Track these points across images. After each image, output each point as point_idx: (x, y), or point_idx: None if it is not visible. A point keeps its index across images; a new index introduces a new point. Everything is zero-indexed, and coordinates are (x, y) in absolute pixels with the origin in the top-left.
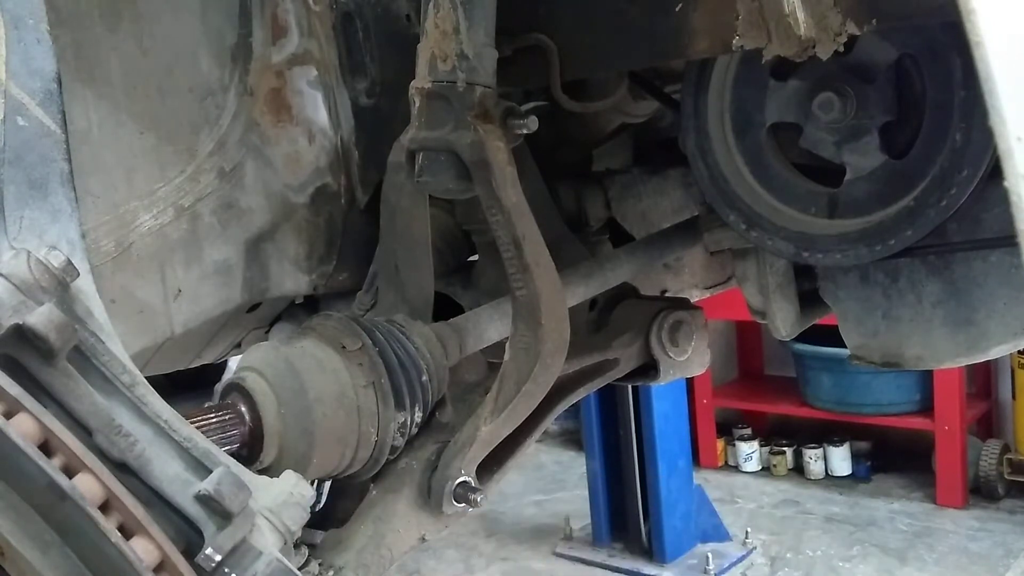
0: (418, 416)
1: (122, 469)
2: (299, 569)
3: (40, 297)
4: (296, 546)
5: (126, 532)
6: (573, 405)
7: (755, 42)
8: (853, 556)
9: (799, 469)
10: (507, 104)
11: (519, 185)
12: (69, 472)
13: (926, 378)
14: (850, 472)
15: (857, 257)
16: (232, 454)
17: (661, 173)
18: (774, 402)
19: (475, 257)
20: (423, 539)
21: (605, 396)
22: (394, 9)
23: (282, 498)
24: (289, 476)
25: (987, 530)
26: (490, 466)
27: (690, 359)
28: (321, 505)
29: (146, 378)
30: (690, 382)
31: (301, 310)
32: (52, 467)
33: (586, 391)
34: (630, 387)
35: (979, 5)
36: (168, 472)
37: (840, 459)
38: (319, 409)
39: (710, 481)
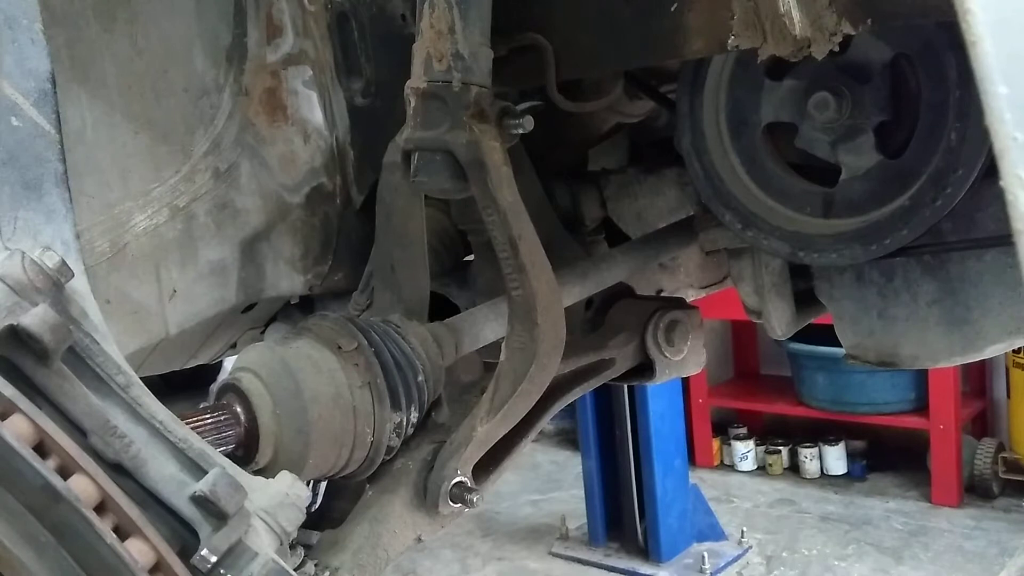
0: (414, 416)
1: (117, 470)
2: (295, 570)
3: (34, 298)
4: (292, 547)
5: (121, 533)
6: (569, 405)
7: (750, 42)
8: (849, 555)
9: (795, 468)
10: (503, 104)
11: (515, 185)
12: (64, 473)
13: (921, 377)
14: (845, 471)
15: (852, 256)
16: (228, 455)
17: (657, 173)
18: (770, 401)
19: (471, 257)
20: (419, 539)
21: (601, 396)
22: (389, 9)
23: (278, 499)
24: (285, 477)
25: (982, 529)
26: (486, 466)
27: (686, 359)
28: (317, 506)
29: (141, 379)
30: (686, 381)
31: (296, 310)
32: (47, 468)
33: (582, 391)
34: (626, 387)
35: (975, 5)
36: (163, 473)
37: (835, 458)
38: (315, 410)
39: (706, 480)
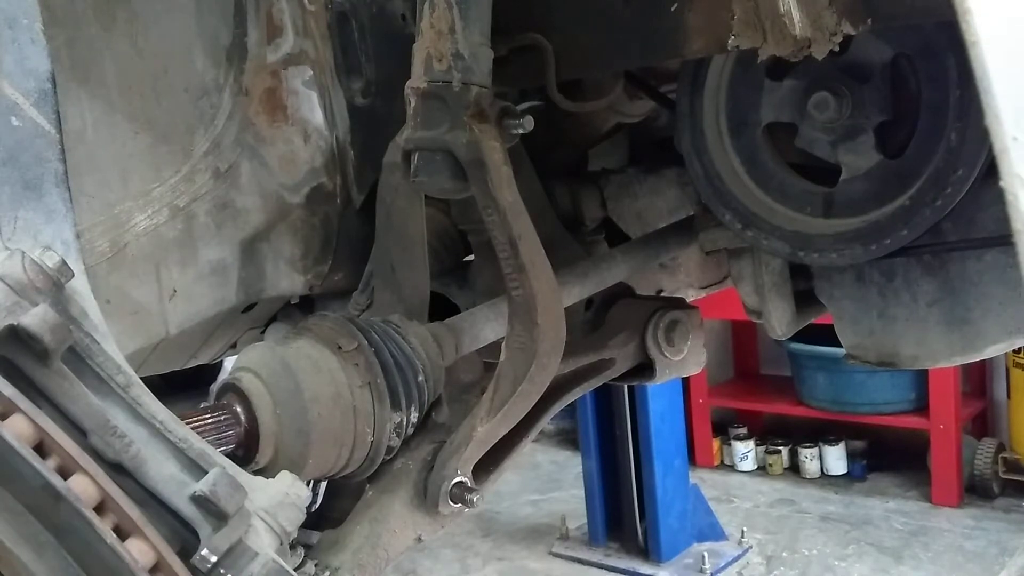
0: (414, 416)
1: (117, 470)
2: (295, 570)
3: (35, 298)
4: (292, 547)
5: (121, 533)
6: (569, 405)
7: (750, 42)
8: (849, 555)
9: (795, 468)
10: (503, 104)
11: (515, 185)
12: (64, 473)
13: (921, 377)
14: (846, 471)
15: (853, 256)
16: (228, 455)
17: (657, 173)
18: (770, 401)
19: (471, 257)
20: (419, 539)
21: (601, 396)
22: (389, 9)
23: (278, 499)
24: (285, 477)
25: (982, 528)
26: (486, 466)
27: (686, 359)
28: (317, 506)
29: (141, 379)
30: (686, 381)
31: (297, 310)
32: (47, 468)
33: (582, 391)
34: (626, 387)
35: (974, 5)
36: (164, 473)
37: (836, 458)
38: (315, 409)
39: (706, 480)
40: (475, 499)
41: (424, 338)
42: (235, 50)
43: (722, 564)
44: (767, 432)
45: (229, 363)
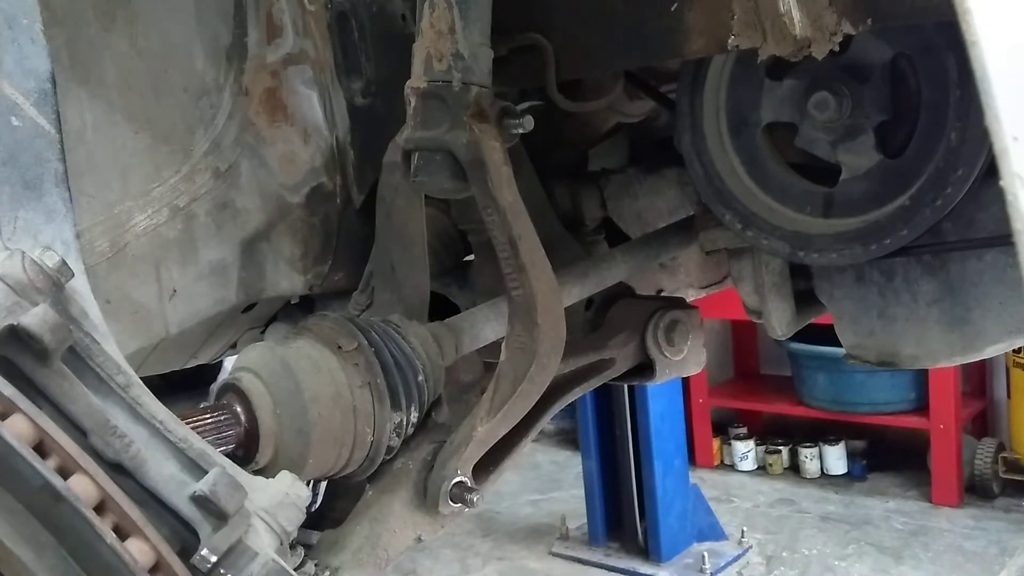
0: (414, 416)
1: (117, 470)
2: (295, 570)
3: (35, 298)
4: (292, 547)
5: (121, 533)
6: (569, 405)
7: (750, 42)
8: (849, 555)
9: (795, 468)
10: (503, 104)
11: (515, 185)
12: (64, 473)
13: (921, 377)
14: (846, 471)
15: (853, 256)
16: (228, 455)
17: (657, 173)
18: (770, 401)
19: (471, 257)
20: (419, 539)
21: (601, 395)
22: (389, 9)
23: (278, 499)
24: (285, 477)
25: (982, 528)
26: (486, 466)
27: (686, 358)
28: (317, 505)
29: (141, 378)
30: (686, 381)
31: (297, 310)
32: (47, 468)
33: (582, 391)
34: (626, 386)
35: (975, 5)
36: (163, 473)
37: (836, 458)
38: (315, 409)
39: (706, 480)
40: (475, 499)
41: (424, 338)
42: (235, 50)
43: (722, 564)
44: (767, 432)
45: (229, 363)
